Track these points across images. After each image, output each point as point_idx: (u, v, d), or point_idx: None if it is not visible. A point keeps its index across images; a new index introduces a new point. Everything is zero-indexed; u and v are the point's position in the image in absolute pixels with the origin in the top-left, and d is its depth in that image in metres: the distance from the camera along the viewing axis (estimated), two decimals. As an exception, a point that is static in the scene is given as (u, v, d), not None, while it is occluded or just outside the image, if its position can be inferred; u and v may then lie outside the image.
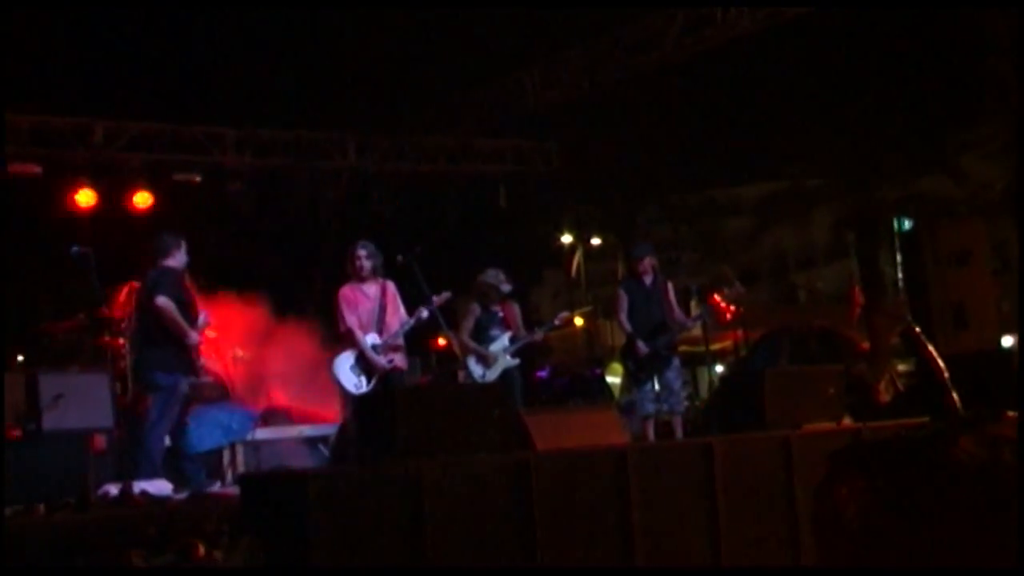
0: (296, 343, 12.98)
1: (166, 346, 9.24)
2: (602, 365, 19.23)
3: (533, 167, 18.28)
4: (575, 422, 8.09)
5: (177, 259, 9.53)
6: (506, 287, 11.31)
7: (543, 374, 23.47)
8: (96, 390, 10.19)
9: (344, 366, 10.12)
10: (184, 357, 9.32)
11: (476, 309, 11.37)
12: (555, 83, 15.64)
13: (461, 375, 11.35)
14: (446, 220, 17.82)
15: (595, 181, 20.78)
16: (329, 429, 11.21)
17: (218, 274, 13.56)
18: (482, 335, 11.25)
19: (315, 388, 11.47)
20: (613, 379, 17.44)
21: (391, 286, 10.29)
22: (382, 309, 10.14)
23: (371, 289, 10.23)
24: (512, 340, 11.22)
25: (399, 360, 10.28)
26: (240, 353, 14.05)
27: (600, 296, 30.17)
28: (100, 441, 9.86)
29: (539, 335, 11.50)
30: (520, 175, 18.26)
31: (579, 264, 32.77)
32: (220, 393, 12.96)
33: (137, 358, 9.61)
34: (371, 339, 10.11)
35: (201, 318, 9.60)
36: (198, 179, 15.96)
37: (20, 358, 13.15)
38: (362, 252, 10.21)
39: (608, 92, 15.59)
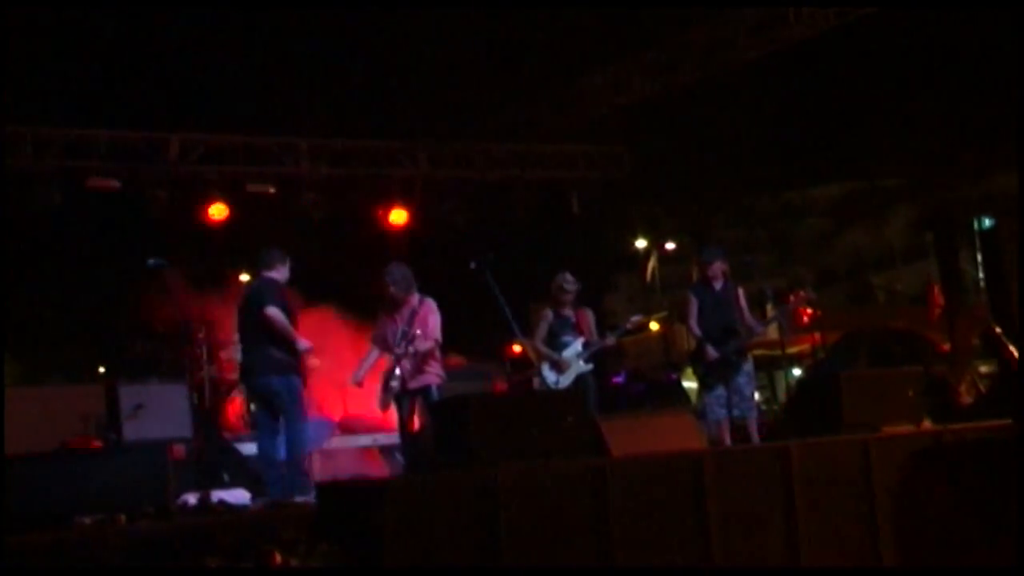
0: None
1: (276, 350, 9.44)
2: (678, 370, 19.15)
3: (605, 172, 18.22)
4: (651, 427, 8.05)
5: (280, 272, 9.78)
6: (570, 285, 11.26)
7: (619, 379, 23.40)
8: (175, 400, 10.38)
9: (384, 384, 10.21)
10: (295, 360, 9.52)
11: (548, 315, 11.36)
12: (625, 86, 15.58)
13: (536, 381, 11.33)
14: (518, 227, 17.81)
15: (668, 184, 20.65)
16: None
17: (291, 283, 13.68)
18: (555, 341, 11.22)
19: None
20: (690, 384, 17.34)
21: (427, 305, 10.20)
22: (408, 326, 10.07)
23: (402, 311, 10.15)
24: (585, 345, 11.18)
25: (429, 377, 10.15)
26: (315, 363, 14.16)
27: (676, 300, 29.98)
28: (179, 450, 10.00)
29: (611, 340, 11.44)
30: (592, 180, 18.21)
31: (654, 268, 32.62)
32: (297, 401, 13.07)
33: (247, 365, 9.74)
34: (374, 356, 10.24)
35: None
36: (272, 190, 16.11)
37: (102, 369, 13.40)
38: (386, 279, 10.16)
39: (679, 94, 15.50)
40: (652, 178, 19.15)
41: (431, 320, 10.15)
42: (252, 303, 9.63)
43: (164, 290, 9.25)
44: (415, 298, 10.20)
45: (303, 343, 9.56)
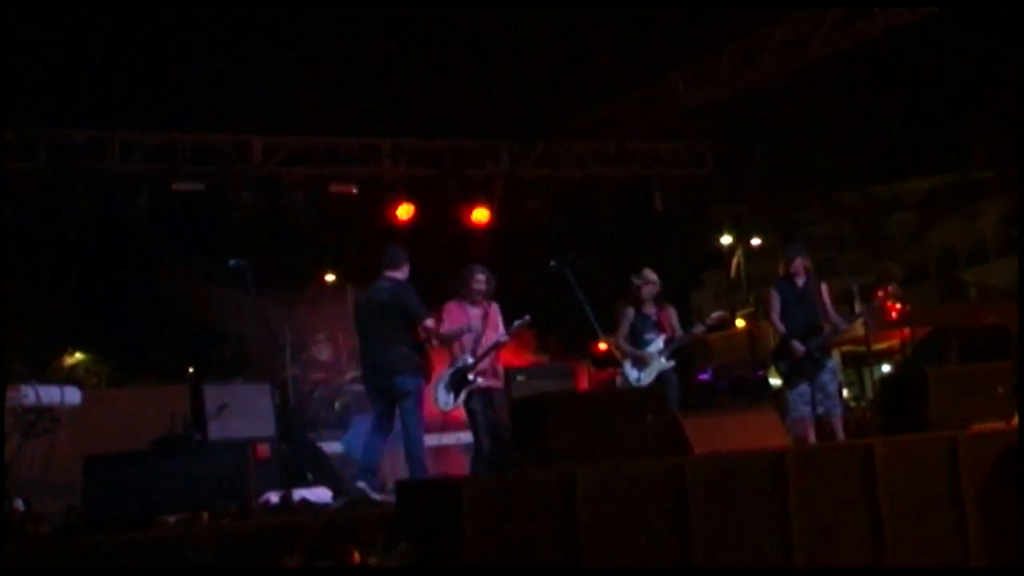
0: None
1: (409, 350, 9.70)
2: (765, 367, 18.97)
3: (688, 169, 18.10)
4: (734, 424, 7.96)
5: (404, 272, 9.99)
6: (649, 283, 11.24)
7: (705, 376, 23.28)
8: (259, 399, 10.47)
9: (440, 383, 10.36)
10: (425, 364, 9.81)
11: (630, 313, 11.36)
12: (707, 82, 15.43)
13: (618, 379, 11.30)
14: (601, 225, 17.75)
15: (753, 180, 20.44)
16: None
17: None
18: (637, 339, 11.24)
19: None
20: (776, 380, 17.17)
21: (494, 309, 10.54)
22: (483, 329, 10.37)
23: (475, 311, 10.47)
24: (667, 342, 11.14)
25: (491, 381, 10.45)
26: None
27: (762, 297, 29.79)
28: (263, 449, 10.09)
29: (692, 334, 11.37)
30: (675, 177, 18.11)
31: (739, 265, 32.36)
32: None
33: (376, 364, 9.83)
34: (462, 360, 10.34)
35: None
36: (354, 190, 16.23)
37: (191, 370, 13.60)
38: (481, 276, 10.44)
39: (762, 89, 15.32)
40: (737, 174, 18.97)
41: (500, 326, 10.46)
42: (386, 304, 9.79)
43: (246, 290, 9.31)
44: (485, 303, 10.52)
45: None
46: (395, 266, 9.96)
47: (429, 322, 9.74)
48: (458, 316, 10.44)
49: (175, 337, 13.94)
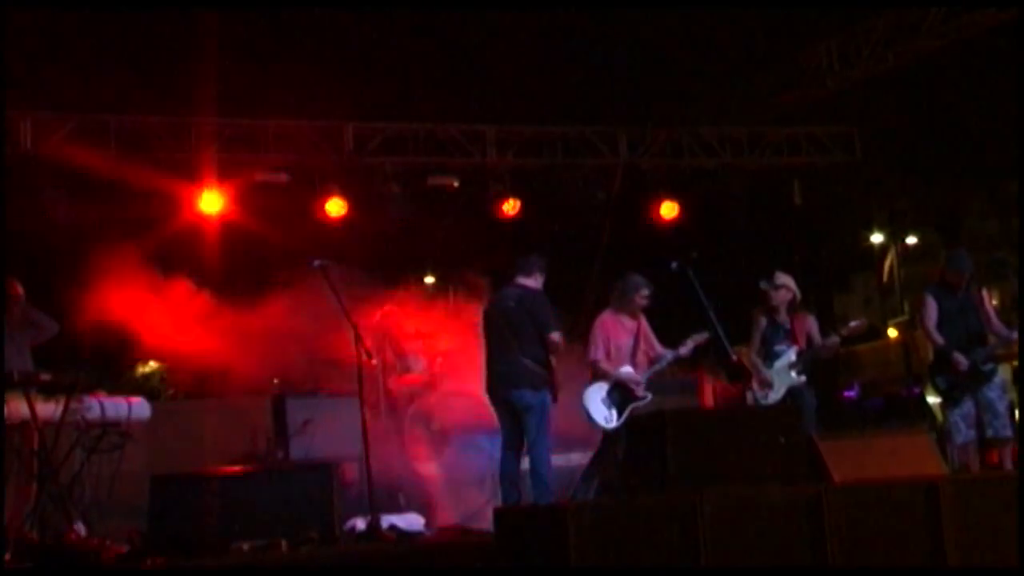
0: (566, 363, 13.06)
1: (534, 364, 9.97)
2: (922, 383, 18.61)
3: (833, 157, 17.81)
4: (881, 449, 7.85)
5: (537, 280, 10.33)
6: (778, 287, 11.16)
7: (851, 393, 22.94)
8: (346, 415, 10.53)
9: (595, 397, 10.70)
10: (550, 376, 10.03)
11: (762, 322, 11.28)
12: (854, 60, 15.17)
13: (748, 396, 11.20)
14: (732, 221, 17.59)
15: (908, 171, 20.08)
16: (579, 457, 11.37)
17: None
18: (768, 350, 11.16)
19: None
20: (935, 399, 16.85)
21: (645, 321, 11.08)
22: (636, 344, 10.91)
23: (630, 323, 10.98)
24: (799, 355, 11.01)
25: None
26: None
27: (916, 303, 29.34)
28: (350, 470, 10.17)
29: (825, 346, 11.19)
30: (818, 167, 17.85)
31: (892, 266, 31.89)
32: (480, 416, 13.17)
33: (500, 375, 10.16)
34: (627, 371, 10.79)
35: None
36: (455, 183, 16.28)
37: (275, 380, 13.74)
38: (646, 292, 10.95)
39: (918, 65, 15.03)
40: (889, 163, 18.65)
41: (651, 335, 11.04)
42: (512, 312, 10.12)
43: (333, 294, 9.37)
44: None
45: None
46: (527, 273, 10.29)
47: (556, 336, 9.96)
48: (613, 329, 10.91)
49: (254, 345, 14.06)
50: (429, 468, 12.01)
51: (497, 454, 10.41)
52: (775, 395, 10.94)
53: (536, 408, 9.83)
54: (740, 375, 11.87)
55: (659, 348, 10.96)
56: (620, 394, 10.63)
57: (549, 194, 17.08)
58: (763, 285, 11.24)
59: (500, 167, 16.47)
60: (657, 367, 10.87)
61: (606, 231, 17.42)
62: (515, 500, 9.62)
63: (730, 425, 7.09)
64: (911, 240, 31.21)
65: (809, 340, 11.12)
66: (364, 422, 9.33)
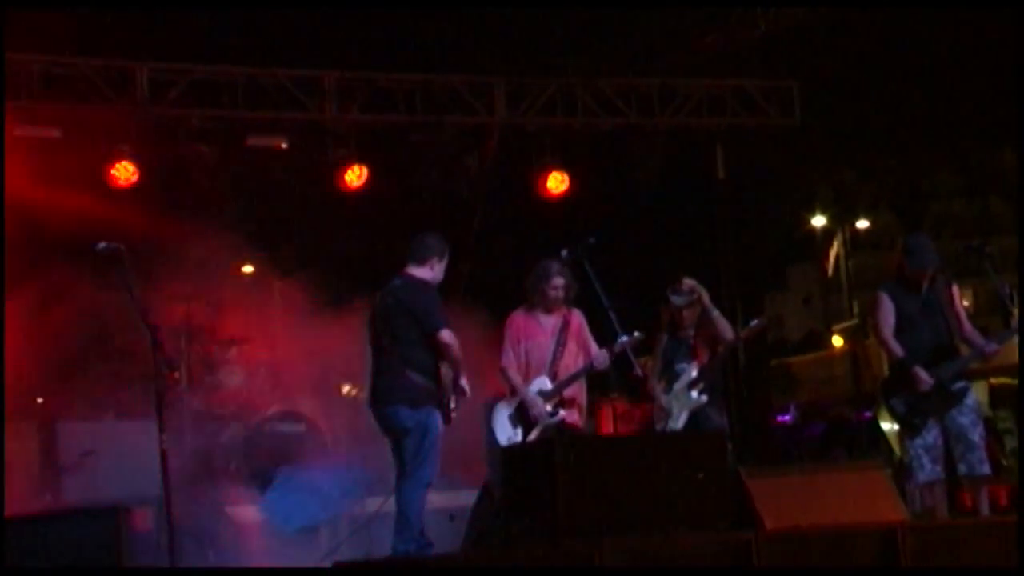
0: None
1: (417, 374, 9.82)
2: (875, 405, 18.97)
3: (766, 118, 18.05)
4: (824, 489, 8.03)
5: (432, 270, 10.19)
6: (677, 300, 11.37)
7: (786, 418, 23.29)
8: (139, 444, 10.44)
9: (502, 414, 10.73)
10: (435, 389, 9.88)
11: (663, 338, 11.64)
12: (792, -4, 15.46)
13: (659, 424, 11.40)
14: (636, 197, 17.71)
15: (859, 137, 20.45)
16: (470, 497, 11.34)
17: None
18: (669, 371, 11.45)
19: (457, 439, 11.56)
20: (891, 426, 17.18)
21: (577, 317, 10.96)
22: (559, 346, 10.83)
23: (549, 320, 10.94)
24: (702, 372, 11.27)
25: (573, 416, 10.82)
26: (351, 391, 14.22)
27: (868, 301, 29.78)
28: (143, 517, 10.08)
29: (720, 356, 11.42)
30: (746, 129, 18.06)
31: (839, 257, 32.38)
32: (316, 446, 13.15)
33: (374, 388, 10.06)
34: (538, 384, 10.74)
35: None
36: (283, 144, 16.23)
37: (40, 400, 13.52)
38: (559, 281, 10.83)
39: (875, 4, 15.30)
40: (836, 125, 18.94)
41: (586, 334, 10.94)
42: (392, 310, 10.03)
43: (123, 282, 9.24)
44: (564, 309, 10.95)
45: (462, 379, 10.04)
46: (420, 259, 10.19)
47: (445, 334, 9.83)
48: (525, 331, 10.95)
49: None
50: (247, 514, 11.97)
51: (338, 494, 10.41)
52: (675, 423, 11.14)
53: (414, 431, 9.70)
54: (646, 393, 12.01)
55: (594, 352, 10.88)
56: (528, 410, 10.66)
57: (404, 161, 17.08)
58: (674, 300, 11.39)
59: (342, 125, 16.42)
60: (570, 377, 10.74)
61: (478, 209, 17.47)
62: (413, 549, 9.39)
63: (635, 456, 7.17)
64: (862, 224, 31.72)
65: (714, 354, 11.39)
66: (163, 453, 9.24)
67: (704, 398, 11.19)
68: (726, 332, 11.41)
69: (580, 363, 10.81)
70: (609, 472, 6.93)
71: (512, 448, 9.60)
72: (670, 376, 11.36)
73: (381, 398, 9.93)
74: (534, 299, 10.95)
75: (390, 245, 16.26)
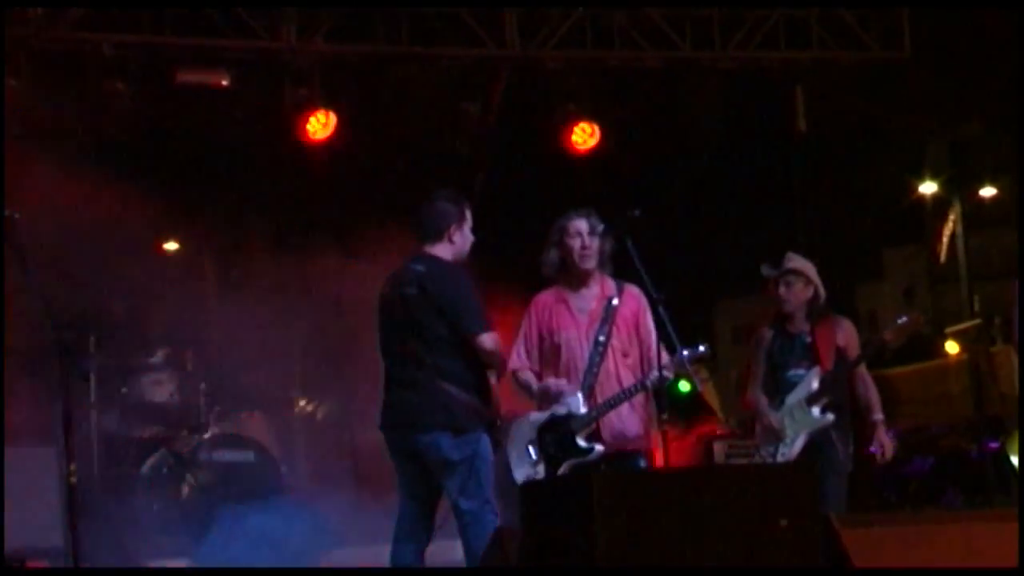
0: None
1: (459, 389, 9.72)
2: (1005, 433, 19.07)
3: (864, 53, 18.10)
4: (939, 538, 8.05)
5: (455, 244, 10.02)
6: (772, 273, 11.26)
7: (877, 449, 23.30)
8: (33, 478, 10.53)
9: (521, 438, 10.40)
10: (481, 406, 9.82)
11: (766, 334, 11.47)
12: None
13: (717, 447, 11.41)
14: (692, 156, 17.78)
15: (986, 78, 20.51)
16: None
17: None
18: (778, 379, 11.34)
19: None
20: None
21: (632, 298, 10.47)
22: (601, 344, 10.33)
23: (587, 304, 10.48)
24: (824, 382, 11.15)
25: (620, 438, 10.41)
26: (308, 407, 14.31)
27: (995, 294, 29.58)
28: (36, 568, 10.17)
29: (853, 361, 11.39)
30: (837, 67, 18.13)
31: (954, 235, 32.38)
32: (268, 479, 13.23)
33: (396, 407, 9.96)
34: (567, 405, 10.26)
35: None
36: (225, 82, 16.25)
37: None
38: (582, 226, 10.39)
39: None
40: (956, 61, 18.98)
41: (646, 321, 10.37)
42: (413, 303, 9.88)
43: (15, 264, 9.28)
44: (606, 280, 10.49)
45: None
46: (434, 234, 9.99)
47: (487, 340, 9.74)
48: (554, 317, 10.51)
49: None
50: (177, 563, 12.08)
51: (297, 538, 10.49)
52: (788, 449, 11.08)
53: (460, 465, 9.59)
54: (695, 413, 12.05)
55: (653, 356, 10.27)
56: (557, 437, 10.25)
57: (384, 105, 17.15)
58: (766, 271, 11.27)
59: (303, 56, 16.48)
60: (615, 398, 10.23)
61: (481, 170, 17.53)
62: None
63: (698, 498, 7.20)
64: (987, 192, 31.71)
65: (842, 359, 11.29)
66: (72, 488, 9.31)
67: (830, 417, 11.08)
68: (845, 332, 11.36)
69: (631, 370, 10.34)
70: (663, 517, 6.97)
71: (534, 487, 9.42)
72: (780, 385, 11.28)
73: (414, 421, 9.74)
74: (556, 270, 10.50)
75: (364, 216, 16.50)
